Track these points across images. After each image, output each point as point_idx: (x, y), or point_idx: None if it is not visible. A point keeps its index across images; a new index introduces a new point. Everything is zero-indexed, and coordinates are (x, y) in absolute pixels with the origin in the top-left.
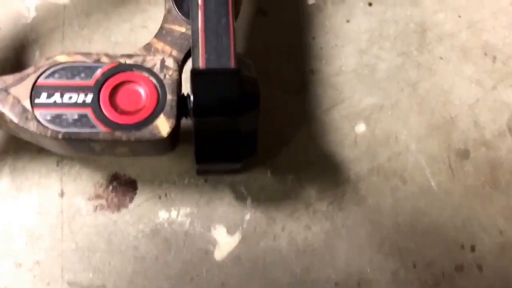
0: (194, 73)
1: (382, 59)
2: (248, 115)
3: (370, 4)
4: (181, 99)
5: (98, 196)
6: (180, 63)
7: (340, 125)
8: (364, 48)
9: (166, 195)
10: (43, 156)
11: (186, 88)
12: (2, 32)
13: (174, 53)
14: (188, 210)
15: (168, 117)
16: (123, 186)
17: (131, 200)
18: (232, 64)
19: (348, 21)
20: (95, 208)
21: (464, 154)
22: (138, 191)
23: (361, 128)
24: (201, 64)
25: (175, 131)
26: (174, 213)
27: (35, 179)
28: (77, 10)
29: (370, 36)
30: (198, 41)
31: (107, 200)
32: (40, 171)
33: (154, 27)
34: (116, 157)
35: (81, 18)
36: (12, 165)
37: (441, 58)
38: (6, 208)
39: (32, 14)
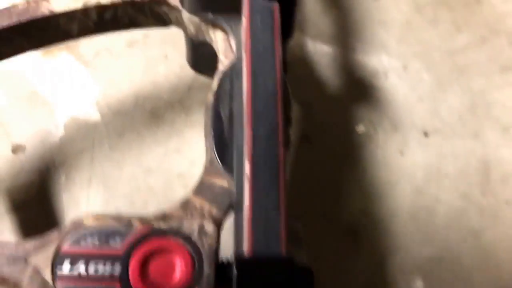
0: (239, 261)
1: (441, 202)
2: None
3: (426, 134)
4: (219, 269)
5: None
6: (219, 222)
7: (394, 280)
8: (420, 185)
9: None
10: None
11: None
12: (28, 152)
13: (214, 211)
14: None
15: None
16: None
17: None
18: (282, 250)
19: (401, 153)
20: None
21: None
22: None
23: (418, 285)
24: (247, 249)
25: None
26: None
27: None
28: (108, 130)
29: (426, 172)
30: (242, 213)
31: None
32: None
33: (189, 152)
34: None
35: (112, 138)
36: None
37: (506, 203)
38: None
39: (60, 132)
